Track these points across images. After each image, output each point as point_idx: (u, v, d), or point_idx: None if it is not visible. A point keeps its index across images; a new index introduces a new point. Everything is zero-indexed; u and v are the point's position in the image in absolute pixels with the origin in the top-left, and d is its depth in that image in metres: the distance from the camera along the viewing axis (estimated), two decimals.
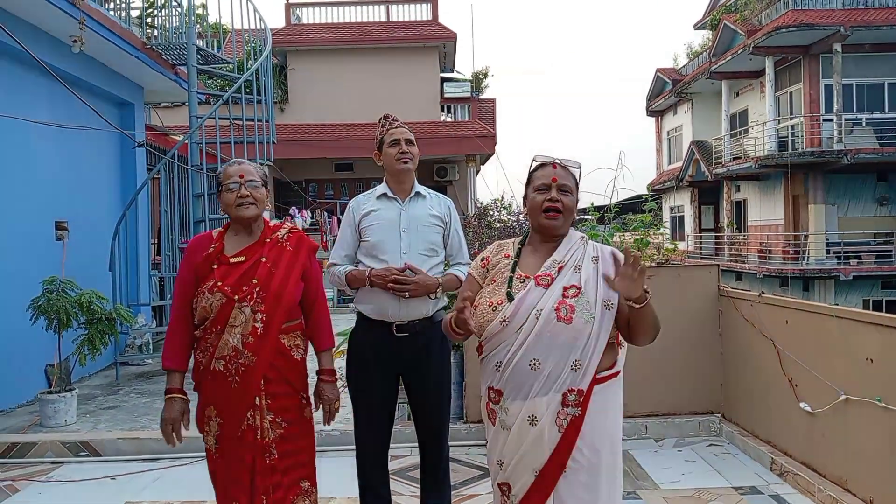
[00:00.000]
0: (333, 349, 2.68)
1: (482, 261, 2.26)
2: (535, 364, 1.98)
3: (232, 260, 2.41)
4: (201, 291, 2.38)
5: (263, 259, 2.42)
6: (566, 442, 1.97)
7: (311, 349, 2.63)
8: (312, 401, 2.59)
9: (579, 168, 2.18)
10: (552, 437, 1.97)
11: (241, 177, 2.44)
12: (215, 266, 2.39)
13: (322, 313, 2.62)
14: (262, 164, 7.22)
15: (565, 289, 2.03)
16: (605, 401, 2.04)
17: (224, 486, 2.40)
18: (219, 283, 2.35)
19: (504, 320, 2.03)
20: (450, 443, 3.01)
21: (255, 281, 2.37)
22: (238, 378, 2.34)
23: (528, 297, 2.03)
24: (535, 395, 1.98)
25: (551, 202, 2.08)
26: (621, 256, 2.03)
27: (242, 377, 2.34)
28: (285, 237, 2.51)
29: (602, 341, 2.00)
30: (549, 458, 1.97)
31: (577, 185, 2.18)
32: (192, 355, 2.48)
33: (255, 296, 2.35)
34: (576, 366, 1.97)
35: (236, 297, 2.34)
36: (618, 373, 2.10)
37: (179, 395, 2.42)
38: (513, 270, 2.14)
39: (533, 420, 1.99)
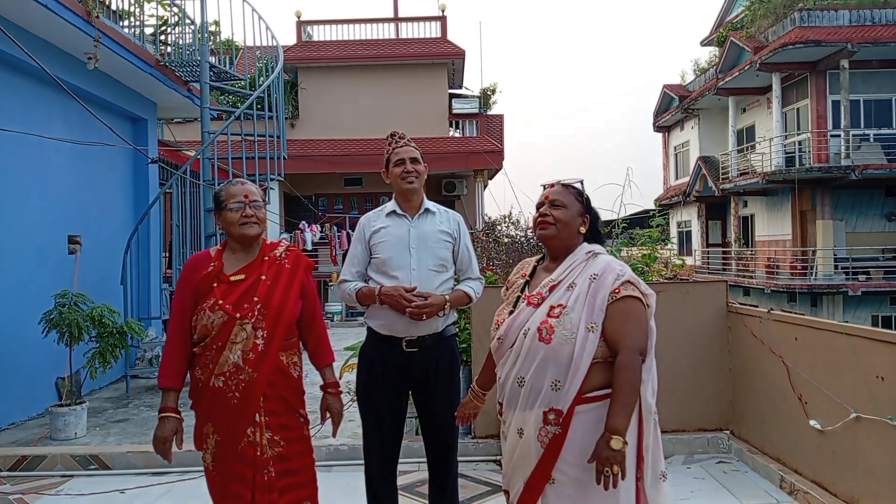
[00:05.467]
0: (334, 363, 2.70)
1: (507, 280, 2.38)
2: (521, 381, 2.08)
3: (232, 278, 2.43)
4: (202, 309, 2.39)
5: (263, 277, 2.45)
6: (547, 457, 2.02)
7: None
8: (319, 415, 2.62)
9: (580, 183, 2.24)
10: (536, 450, 2.04)
11: (246, 196, 2.48)
12: (216, 284, 2.41)
13: (321, 330, 2.65)
14: (272, 179, 7.31)
15: (552, 307, 2.07)
16: (593, 420, 2.00)
17: (223, 502, 2.40)
18: (220, 301, 2.38)
19: (499, 338, 2.16)
20: (458, 458, 3.02)
21: (255, 298, 2.40)
22: (238, 394, 2.35)
23: (519, 317, 2.13)
24: (522, 409, 2.08)
25: (541, 217, 2.20)
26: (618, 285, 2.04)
27: (242, 393, 2.35)
28: (283, 255, 2.54)
29: (584, 363, 1.99)
30: (534, 470, 2.04)
31: (581, 198, 2.22)
32: (189, 373, 2.48)
33: (256, 313, 2.38)
34: (555, 385, 2.01)
35: (238, 314, 2.37)
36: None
37: (173, 415, 2.42)
38: (522, 290, 2.22)
39: (521, 432, 2.09)
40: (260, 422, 2.37)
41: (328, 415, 2.64)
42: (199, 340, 2.41)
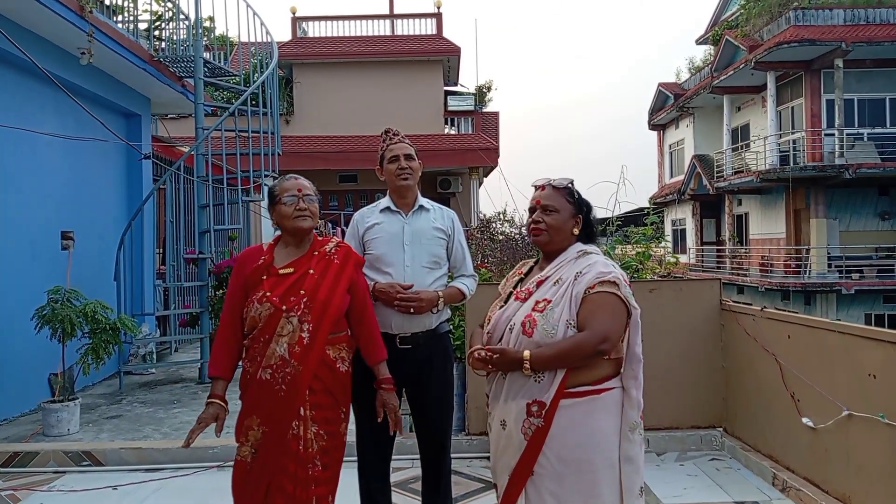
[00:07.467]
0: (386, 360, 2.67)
1: (505, 278, 2.41)
2: (504, 373, 2.11)
3: (281, 271, 2.49)
4: (251, 301, 2.46)
5: (311, 271, 2.49)
6: (531, 449, 2.04)
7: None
8: (378, 411, 2.61)
9: (570, 184, 2.24)
10: (519, 442, 2.06)
11: (300, 190, 2.54)
12: (265, 277, 2.47)
13: (372, 325, 2.65)
14: (266, 176, 7.30)
15: (537, 302, 2.10)
16: (578, 415, 2.02)
17: (253, 495, 2.42)
18: (268, 294, 2.43)
19: (489, 333, 2.20)
20: (452, 455, 3.02)
21: (302, 292, 2.44)
22: (284, 387, 2.39)
23: (506, 312, 2.17)
24: (505, 400, 2.11)
25: (534, 223, 2.23)
26: (603, 281, 2.05)
27: (289, 386, 2.39)
28: (333, 250, 2.58)
29: None
30: (518, 462, 2.06)
31: (573, 199, 2.22)
32: (241, 364, 2.54)
33: (302, 306, 2.42)
34: (537, 378, 2.03)
35: (284, 307, 2.41)
36: (601, 390, 2.06)
37: (219, 401, 2.47)
38: (515, 287, 2.25)
39: (504, 424, 2.11)
40: (305, 416, 2.40)
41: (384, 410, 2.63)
42: (249, 332, 2.47)
